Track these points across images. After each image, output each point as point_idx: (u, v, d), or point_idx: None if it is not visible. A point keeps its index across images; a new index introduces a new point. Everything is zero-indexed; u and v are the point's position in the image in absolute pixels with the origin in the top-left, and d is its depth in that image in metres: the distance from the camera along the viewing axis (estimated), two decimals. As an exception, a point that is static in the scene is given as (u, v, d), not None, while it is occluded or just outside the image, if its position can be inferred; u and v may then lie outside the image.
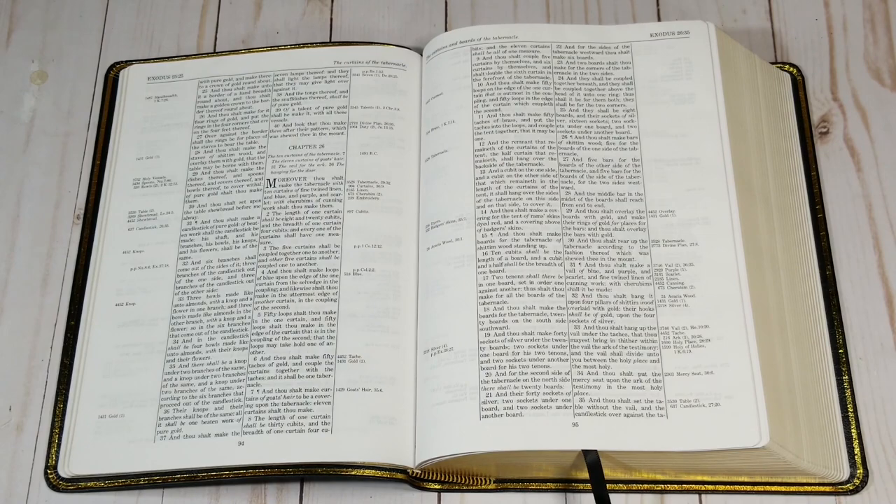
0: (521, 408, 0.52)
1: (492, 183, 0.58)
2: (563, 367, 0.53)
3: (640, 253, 0.56)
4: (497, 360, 0.53)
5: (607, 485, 0.52)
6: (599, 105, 0.60)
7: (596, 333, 0.54)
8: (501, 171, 0.58)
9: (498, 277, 0.55)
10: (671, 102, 0.60)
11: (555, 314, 0.54)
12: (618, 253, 0.56)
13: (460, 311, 0.55)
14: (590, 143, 0.59)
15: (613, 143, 0.59)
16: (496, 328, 0.54)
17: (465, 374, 0.53)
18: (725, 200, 0.57)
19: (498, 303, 0.55)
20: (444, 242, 0.57)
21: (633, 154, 0.59)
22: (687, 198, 0.57)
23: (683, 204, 0.57)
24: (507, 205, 0.57)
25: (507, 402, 0.52)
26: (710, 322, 0.54)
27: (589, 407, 0.52)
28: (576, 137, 0.59)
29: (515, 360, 0.53)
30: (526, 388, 0.52)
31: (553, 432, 0.51)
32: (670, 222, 0.57)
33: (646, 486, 0.55)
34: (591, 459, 0.51)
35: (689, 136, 0.59)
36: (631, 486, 0.55)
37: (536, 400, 0.52)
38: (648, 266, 0.56)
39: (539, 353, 0.53)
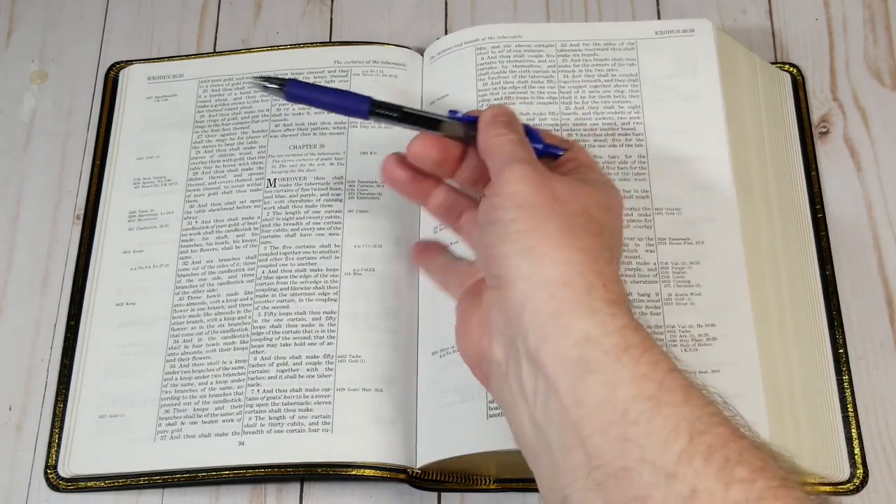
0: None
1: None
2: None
3: (647, 251, 0.56)
4: None
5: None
6: (605, 101, 0.60)
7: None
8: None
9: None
10: (676, 100, 0.60)
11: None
12: (624, 250, 0.56)
13: (467, 311, 0.55)
14: (595, 141, 0.59)
15: (619, 140, 0.59)
16: None
17: (472, 375, 0.53)
18: (732, 199, 0.57)
19: (504, 302, 0.54)
20: (451, 244, 0.57)
21: (640, 151, 0.59)
22: (693, 195, 0.57)
23: (690, 202, 0.57)
24: None
25: (514, 401, 0.52)
26: (717, 321, 0.54)
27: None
28: (581, 135, 0.59)
29: None
30: (532, 387, 0.52)
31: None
32: (677, 220, 0.57)
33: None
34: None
35: (695, 133, 0.58)
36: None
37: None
38: (655, 264, 0.56)
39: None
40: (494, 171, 0.44)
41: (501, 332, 0.42)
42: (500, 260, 0.41)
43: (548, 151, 0.48)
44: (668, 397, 0.36)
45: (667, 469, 0.34)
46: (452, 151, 0.49)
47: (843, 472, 0.55)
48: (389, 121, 0.49)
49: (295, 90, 0.49)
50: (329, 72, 0.65)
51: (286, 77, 0.50)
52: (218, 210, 0.61)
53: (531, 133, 0.48)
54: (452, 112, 0.49)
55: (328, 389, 0.55)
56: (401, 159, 0.50)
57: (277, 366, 0.56)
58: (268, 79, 0.49)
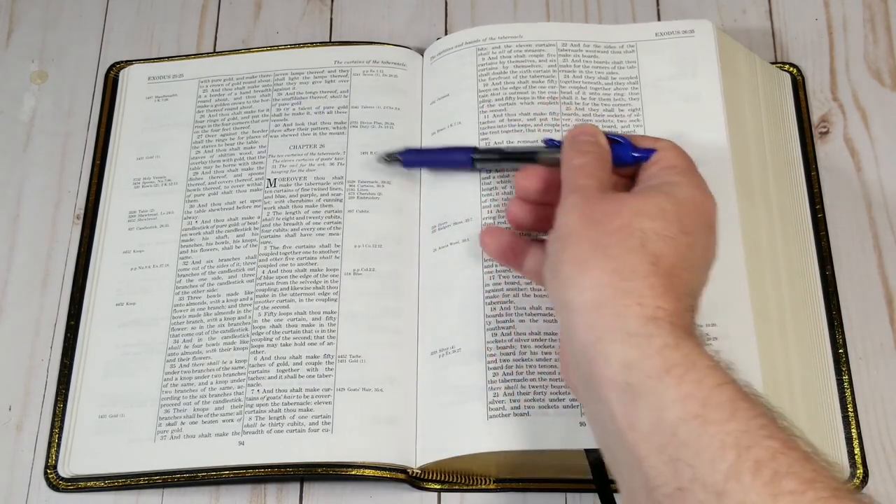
0: (529, 407, 0.52)
1: (497, 183, 0.58)
2: (571, 367, 0.53)
3: None
4: (504, 360, 0.53)
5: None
6: (605, 104, 0.60)
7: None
8: (507, 171, 0.58)
9: (504, 277, 0.55)
10: (676, 101, 0.59)
11: (561, 314, 0.54)
12: None
13: (467, 311, 0.55)
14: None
15: (619, 142, 0.59)
16: (503, 328, 0.54)
17: (472, 375, 0.53)
18: (732, 199, 0.57)
19: (504, 303, 0.54)
20: (451, 244, 0.57)
21: None
22: None
23: None
24: None
25: (515, 401, 0.52)
26: (717, 320, 0.54)
27: (596, 406, 0.52)
28: (581, 137, 0.59)
29: (522, 360, 0.53)
30: (533, 387, 0.52)
31: (560, 432, 0.51)
32: None
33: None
34: (595, 458, 0.50)
35: (695, 134, 0.58)
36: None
37: (544, 400, 0.52)
38: None
39: (546, 353, 0.53)
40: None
41: (571, 358, 0.43)
42: (550, 293, 0.43)
43: (641, 158, 0.49)
44: (714, 414, 0.36)
45: (716, 487, 0.35)
46: (555, 178, 0.50)
47: (843, 472, 0.55)
48: (492, 163, 0.56)
49: (409, 157, 0.59)
50: (329, 71, 0.65)
51: (403, 149, 0.59)
52: (218, 210, 0.61)
53: (620, 143, 0.49)
54: (548, 140, 0.53)
55: (328, 389, 0.55)
56: (493, 231, 0.52)
57: (277, 366, 0.56)
58: (389, 154, 0.59)
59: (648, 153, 0.48)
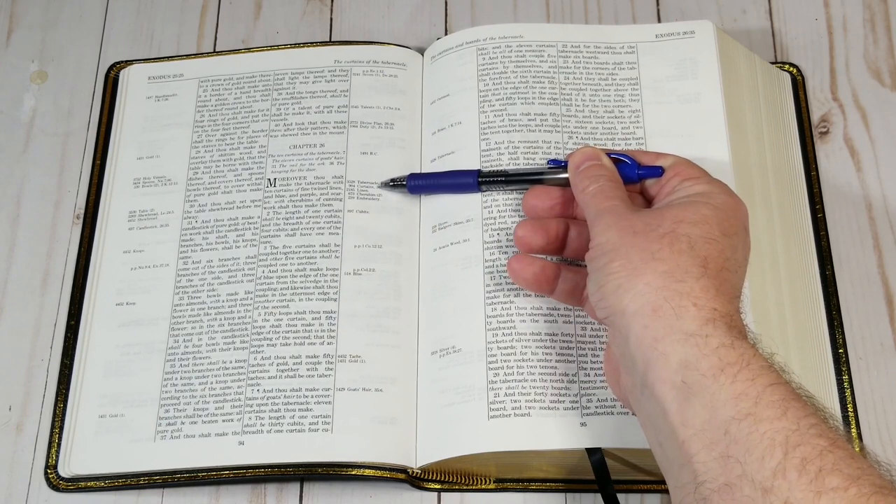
0: (530, 408, 0.52)
1: (497, 183, 0.58)
2: (571, 368, 0.53)
3: None
4: (505, 361, 0.53)
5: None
6: (605, 106, 0.60)
7: (602, 335, 0.54)
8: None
9: (505, 277, 0.55)
10: (677, 102, 0.59)
11: (562, 315, 0.54)
12: None
13: (468, 312, 0.55)
14: (595, 144, 0.59)
15: (619, 144, 0.59)
16: (504, 328, 0.54)
17: (473, 375, 0.53)
18: None
19: (505, 303, 0.54)
20: (451, 244, 0.57)
21: None
22: None
23: None
24: (514, 205, 0.57)
25: (516, 402, 0.52)
26: None
27: (597, 407, 0.52)
28: (581, 138, 0.59)
29: (523, 361, 0.53)
30: (534, 388, 0.52)
31: (561, 432, 0.51)
32: None
33: (647, 486, 0.55)
34: (596, 458, 0.50)
35: (695, 135, 0.58)
36: (632, 486, 0.55)
37: (545, 401, 0.52)
38: None
39: (547, 354, 0.53)
40: (589, 225, 0.48)
41: (622, 363, 0.44)
42: (601, 303, 0.44)
43: (647, 174, 0.51)
44: (766, 412, 0.37)
45: (764, 484, 0.36)
46: (565, 195, 0.53)
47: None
48: (498, 186, 0.57)
49: (414, 182, 0.59)
50: (329, 71, 0.64)
51: (406, 175, 0.60)
52: (218, 210, 0.61)
53: (626, 162, 0.51)
54: (552, 161, 0.55)
55: (328, 389, 0.55)
56: (523, 259, 0.52)
57: (277, 365, 0.56)
58: (393, 180, 0.60)
59: (654, 170, 0.50)
